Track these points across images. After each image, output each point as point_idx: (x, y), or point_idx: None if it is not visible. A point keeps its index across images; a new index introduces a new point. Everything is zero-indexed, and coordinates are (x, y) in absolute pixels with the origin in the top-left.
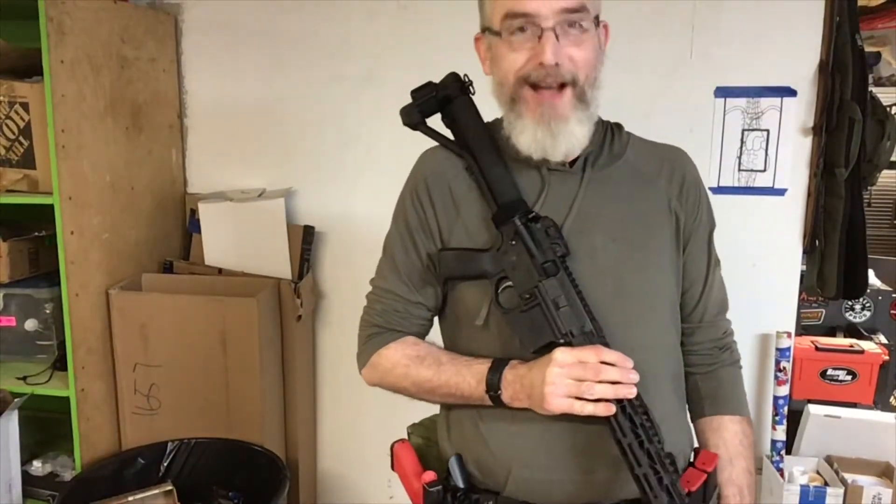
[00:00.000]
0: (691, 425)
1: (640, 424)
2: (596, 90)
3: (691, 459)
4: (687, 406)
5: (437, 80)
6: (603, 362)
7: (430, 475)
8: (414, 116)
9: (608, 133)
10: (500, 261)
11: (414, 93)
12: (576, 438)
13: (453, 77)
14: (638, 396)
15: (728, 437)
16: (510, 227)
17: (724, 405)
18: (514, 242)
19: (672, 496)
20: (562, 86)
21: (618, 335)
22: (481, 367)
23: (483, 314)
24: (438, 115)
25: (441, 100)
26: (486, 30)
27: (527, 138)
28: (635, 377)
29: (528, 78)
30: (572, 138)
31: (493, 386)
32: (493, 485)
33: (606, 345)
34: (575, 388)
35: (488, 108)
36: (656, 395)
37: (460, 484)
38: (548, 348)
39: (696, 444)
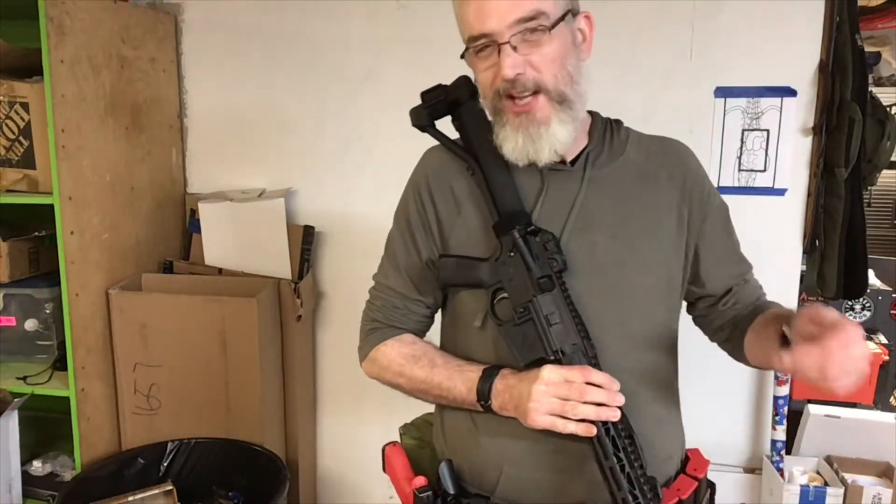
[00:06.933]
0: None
1: (623, 448)
2: (576, 86)
3: (682, 458)
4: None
5: (436, 80)
6: (589, 383)
7: (420, 480)
8: (423, 118)
9: (608, 130)
10: (498, 271)
11: (424, 94)
12: (565, 441)
13: (463, 80)
14: (623, 419)
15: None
16: (509, 239)
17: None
18: (512, 254)
19: None
20: (535, 93)
21: (616, 332)
22: (472, 374)
23: (481, 317)
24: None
25: (451, 103)
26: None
27: (509, 146)
28: (621, 400)
29: (501, 92)
30: (554, 140)
31: (482, 395)
32: (485, 487)
33: (597, 365)
34: (559, 407)
35: None
36: (653, 392)
37: (451, 490)
38: (539, 363)
39: (686, 446)
